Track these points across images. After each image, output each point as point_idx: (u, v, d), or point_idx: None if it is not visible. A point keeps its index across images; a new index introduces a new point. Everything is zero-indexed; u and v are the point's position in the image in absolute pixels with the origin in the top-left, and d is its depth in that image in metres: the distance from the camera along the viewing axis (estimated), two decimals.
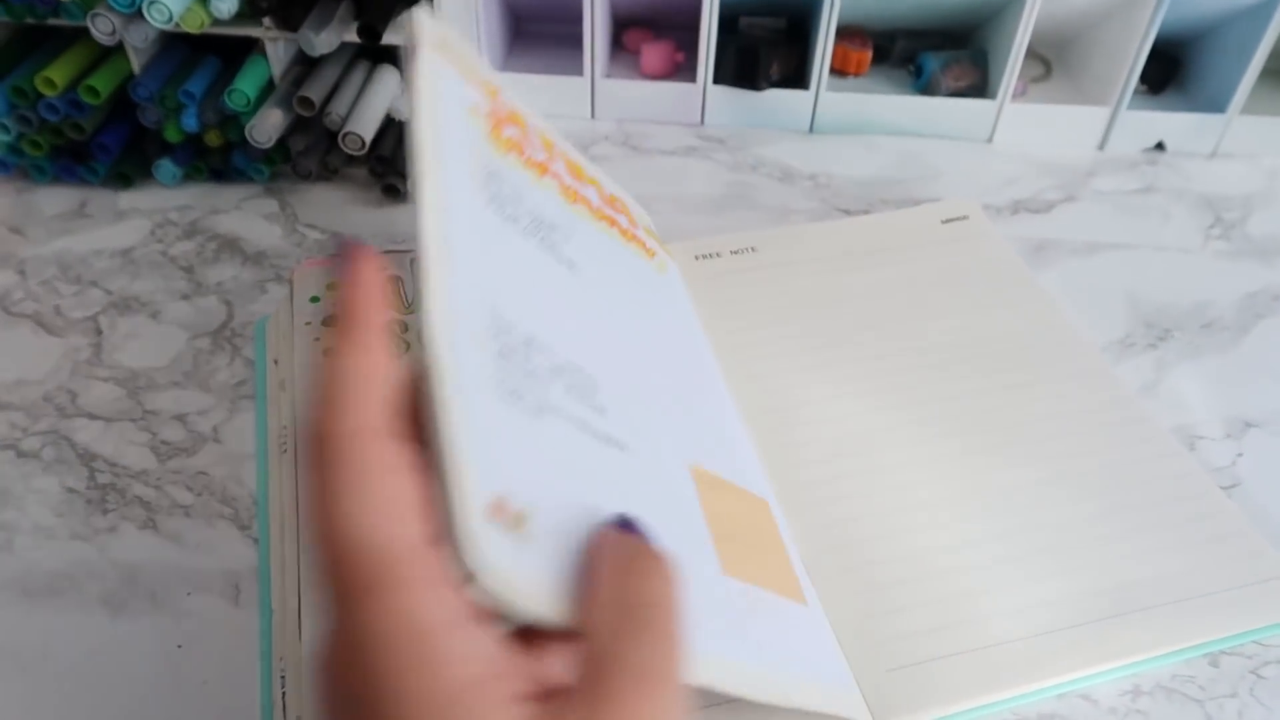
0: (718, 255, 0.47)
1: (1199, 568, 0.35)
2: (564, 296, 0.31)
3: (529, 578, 0.22)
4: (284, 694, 0.30)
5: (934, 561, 0.34)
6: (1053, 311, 0.45)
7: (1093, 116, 0.59)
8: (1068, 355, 0.43)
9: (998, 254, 0.48)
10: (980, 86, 0.59)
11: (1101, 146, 0.59)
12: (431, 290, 0.25)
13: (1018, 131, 0.59)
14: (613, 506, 0.26)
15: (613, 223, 0.38)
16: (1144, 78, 0.58)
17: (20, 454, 0.39)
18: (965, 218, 0.50)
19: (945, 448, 0.38)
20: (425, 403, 0.24)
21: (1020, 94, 0.60)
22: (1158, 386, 0.44)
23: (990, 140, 0.59)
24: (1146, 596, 0.34)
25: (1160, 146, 0.59)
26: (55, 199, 0.52)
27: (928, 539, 0.35)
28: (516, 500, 0.23)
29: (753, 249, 0.47)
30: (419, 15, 0.32)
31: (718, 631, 0.27)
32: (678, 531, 0.28)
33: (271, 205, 0.52)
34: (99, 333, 0.44)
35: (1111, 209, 0.54)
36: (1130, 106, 0.58)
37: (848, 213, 0.53)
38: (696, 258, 0.47)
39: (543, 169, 0.34)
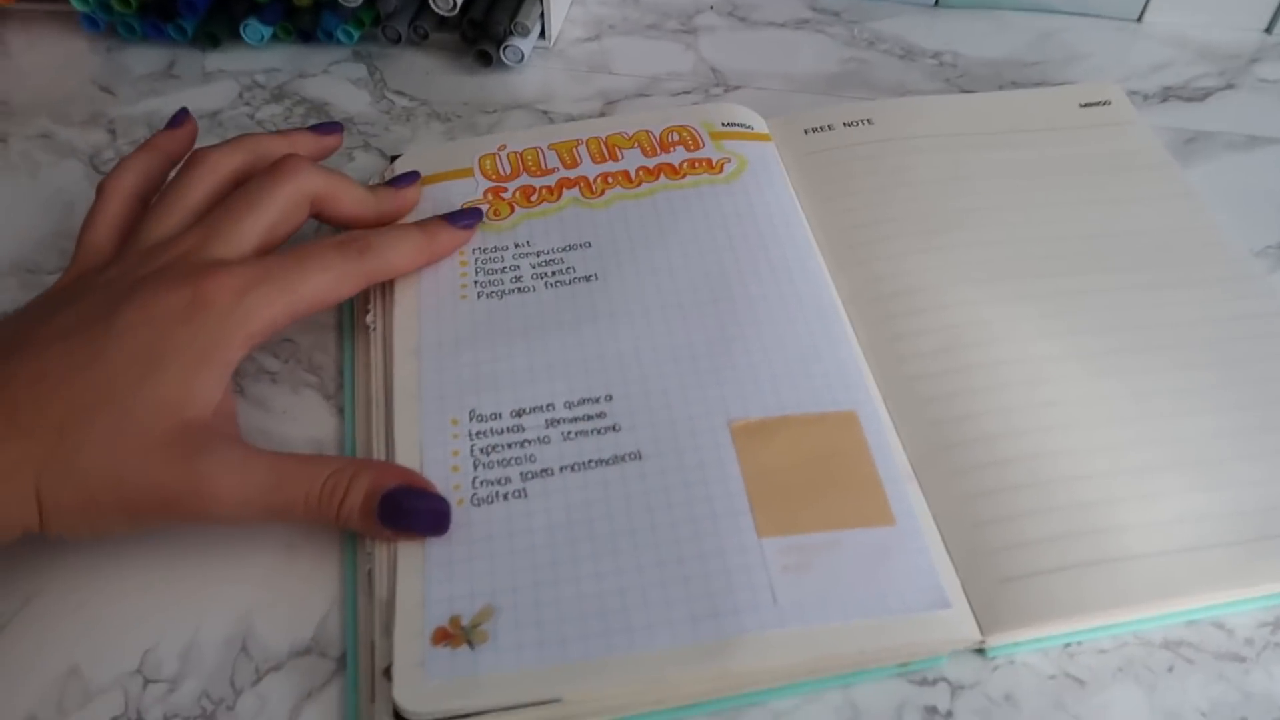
0: (830, 128, 0.43)
1: None
2: (577, 327, 0.34)
3: (489, 677, 0.26)
4: (369, 571, 0.29)
5: (1059, 466, 0.31)
6: (1201, 210, 0.41)
7: None
8: (1216, 258, 0.39)
9: (1141, 144, 0.44)
10: None
11: (1269, 29, 0.53)
12: (399, 437, 0.32)
13: (1172, 10, 0.53)
14: (622, 526, 0.29)
15: (657, 174, 0.40)
16: None
17: None
18: (1106, 103, 0.45)
19: (1075, 345, 0.35)
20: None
21: None
22: None
23: (1140, 19, 0.53)
24: None
25: None
26: (144, 58, 0.51)
27: (1054, 441, 0.32)
28: (473, 607, 0.28)
29: (868, 121, 0.44)
30: (400, 166, 0.41)
31: (751, 605, 0.28)
32: (705, 511, 0.30)
33: (360, 70, 0.50)
34: None
35: (1277, 100, 0.49)
36: None
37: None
38: (806, 131, 0.43)
39: (558, 192, 0.39)
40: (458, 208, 0.38)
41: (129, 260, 0.31)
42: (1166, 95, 0.49)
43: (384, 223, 0.37)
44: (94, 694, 0.28)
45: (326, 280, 0.32)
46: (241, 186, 0.33)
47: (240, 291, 0.30)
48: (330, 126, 0.39)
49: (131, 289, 0.30)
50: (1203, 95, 0.49)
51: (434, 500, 0.30)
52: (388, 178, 0.40)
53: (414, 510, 0.29)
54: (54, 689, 0.28)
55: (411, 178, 0.38)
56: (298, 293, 0.31)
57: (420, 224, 0.36)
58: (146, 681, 0.28)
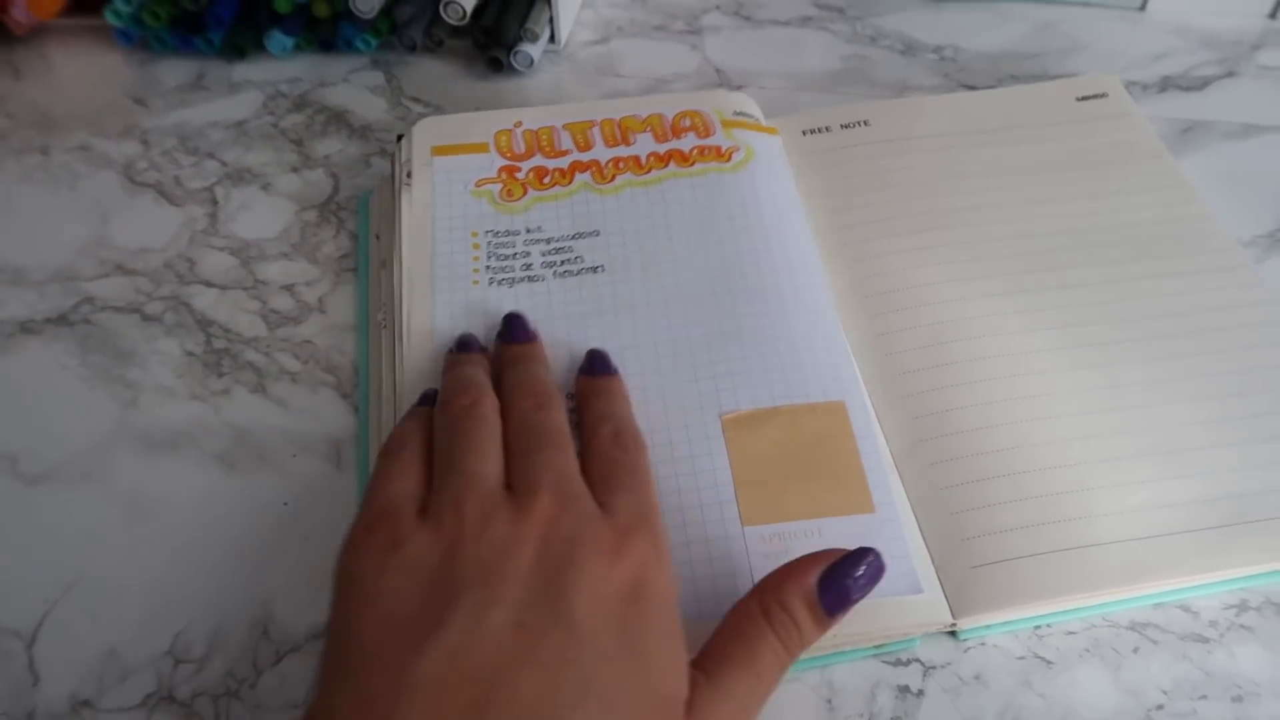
0: (827, 130, 0.45)
1: None
2: (583, 320, 0.36)
3: None
4: None
5: (1034, 457, 0.33)
6: (1192, 200, 0.41)
7: None
8: (1204, 248, 0.40)
9: (1136, 136, 0.44)
10: None
11: (1273, 15, 0.53)
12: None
13: None
14: None
15: (667, 160, 0.41)
16: None
17: (145, 318, 0.41)
18: (1103, 95, 0.46)
19: (1058, 339, 0.36)
20: None
21: None
22: None
23: (1143, 8, 0.54)
24: (1264, 508, 0.32)
25: None
26: (174, 70, 0.53)
27: (1030, 433, 0.33)
28: None
29: (865, 123, 0.45)
30: (416, 133, 0.42)
31: (732, 591, 0.29)
32: (693, 501, 0.32)
33: (378, 78, 0.52)
34: (215, 203, 0.46)
35: (1277, 86, 0.49)
36: None
37: (974, 89, 0.49)
38: (804, 133, 0.45)
39: (570, 176, 0.41)
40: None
41: (520, 512, 0.27)
42: (1165, 85, 0.49)
43: None
44: (130, 673, 0.31)
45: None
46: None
47: (666, 568, 0.27)
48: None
49: (563, 563, 0.26)
50: (1201, 84, 0.49)
51: (863, 557, 0.28)
52: (400, 159, 0.42)
53: (855, 579, 0.27)
54: (94, 668, 0.31)
55: None
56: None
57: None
58: (177, 662, 0.31)
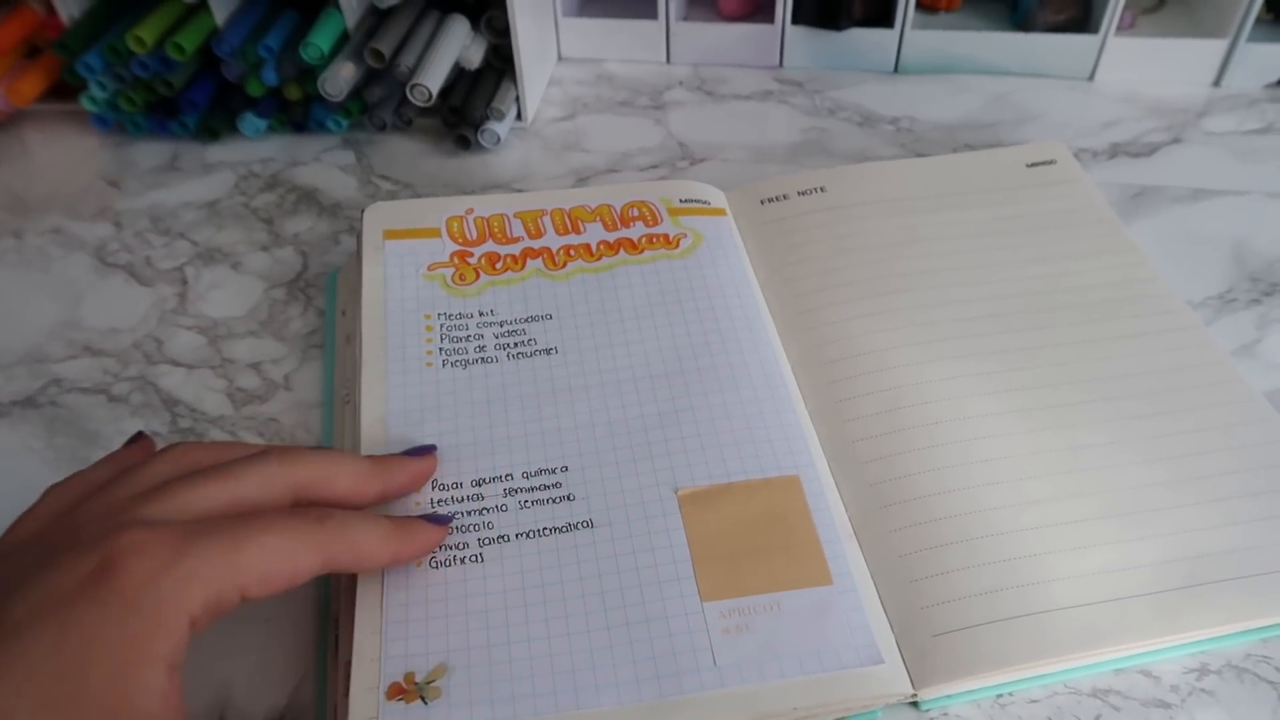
0: (785, 197, 0.46)
1: None
2: (537, 401, 0.37)
3: None
4: (337, 636, 0.31)
5: (992, 522, 0.33)
6: (1142, 263, 0.42)
7: (1208, 50, 0.54)
8: (1156, 310, 0.40)
9: (1085, 201, 0.46)
10: (1082, 20, 0.55)
11: (1217, 83, 0.55)
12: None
13: (1123, 69, 0.55)
14: (572, 591, 0.31)
15: (617, 249, 0.42)
16: (1270, 4, 0.53)
17: (111, 398, 0.41)
18: (1052, 162, 0.47)
19: (1013, 403, 0.37)
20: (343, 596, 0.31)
21: (1127, 27, 0.56)
22: (1257, 346, 0.41)
23: (1091, 79, 0.55)
24: (1223, 569, 0.32)
25: None
26: (149, 153, 0.54)
27: (987, 498, 0.34)
28: (427, 664, 0.29)
29: (821, 189, 0.46)
30: (367, 217, 0.43)
31: (692, 668, 0.29)
32: (651, 577, 0.31)
33: (348, 157, 0.53)
34: (184, 283, 0.46)
35: (1223, 152, 0.50)
36: (1251, 38, 0.53)
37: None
38: (763, 201, 0.46)
39: (522, 262, 0.41)
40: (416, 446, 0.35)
41: (40, 530, 0.26)
42: (1115, 151, 0.51)
43: (388, 499, 0.33)
44: None
45: (278, 544, 0.25)
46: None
47: (168, 557, 0.23)
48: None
49: (31, 562, 0.23)
50: (1150, 150, 0.51)
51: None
52: (360, 234, 0.42)
53: None
54: None
55: (428, 449, 0.34)
56: (244, 558, 0.24)
57: (391, 516, 0.32)
58: None
